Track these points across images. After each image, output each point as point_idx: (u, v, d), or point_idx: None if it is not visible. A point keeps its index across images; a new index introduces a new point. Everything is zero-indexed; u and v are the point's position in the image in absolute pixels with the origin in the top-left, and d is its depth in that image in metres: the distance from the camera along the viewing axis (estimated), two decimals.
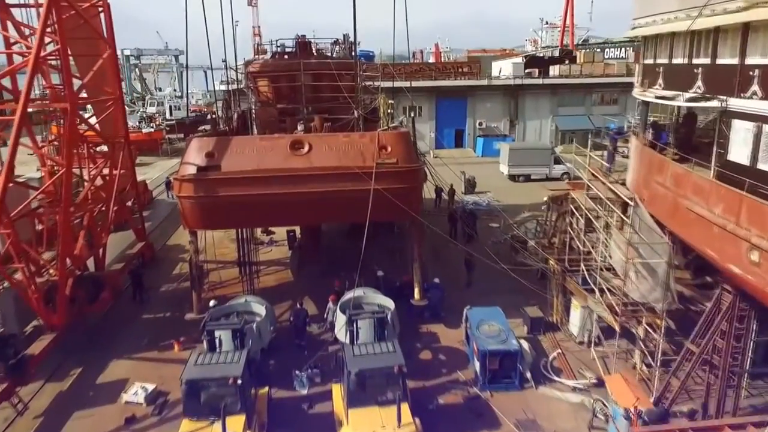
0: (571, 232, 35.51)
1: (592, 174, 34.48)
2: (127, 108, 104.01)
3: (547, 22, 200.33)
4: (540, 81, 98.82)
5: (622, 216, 29.63)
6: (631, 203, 27.68)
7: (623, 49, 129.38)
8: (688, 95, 25.89)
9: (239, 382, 23.24)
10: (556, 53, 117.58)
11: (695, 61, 26.12)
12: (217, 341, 28.15)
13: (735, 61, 23.06)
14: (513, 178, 74.85)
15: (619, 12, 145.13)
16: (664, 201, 26.94)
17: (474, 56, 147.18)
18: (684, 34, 26.76)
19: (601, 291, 29.86)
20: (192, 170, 31.37)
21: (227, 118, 43.38)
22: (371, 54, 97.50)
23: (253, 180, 31.14)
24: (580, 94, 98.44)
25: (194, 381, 23.53)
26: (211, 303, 34.09)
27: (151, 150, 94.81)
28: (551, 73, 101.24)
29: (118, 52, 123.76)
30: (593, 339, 32.14)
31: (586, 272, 31.93)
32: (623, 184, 33.81)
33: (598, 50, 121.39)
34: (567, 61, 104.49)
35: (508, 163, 75.06)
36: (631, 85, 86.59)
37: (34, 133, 34.03)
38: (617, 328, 28.43)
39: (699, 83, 25.36)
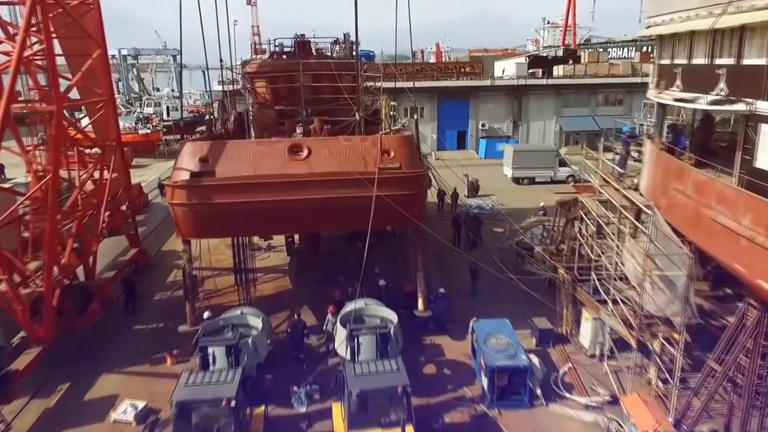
0: (581, 239, 34.14)
1: (604, 179, 33.17)
2: (123, 108, 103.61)
3: (549, 22, 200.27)
4: (544, 81, 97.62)
5: (636, 223, 28.27)
6: (649, 212, 26.24)
7: (626, 49, 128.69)
8: (710, 98, 24.45)
9: (233, 404, 21.96)
10: (560, 53, 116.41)
11: (718, 61, 24.76)
12: (210, 358, 26.70)
13: (763, 61, 21.71)
14: (517, 180, 73.73)
15: (620, 12, 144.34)
16: (684, 210, 25.53)
17: (476, 56, 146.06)
18: (705, 33, 25.41)
19: (614, 302, 28.50)
20: (185, 176, 30.12)
21: (223, 121, 42.14)
22: (372, 54, 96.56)
23: (250, 186, 29.93)
24: (584, 95, 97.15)
25: (185, 403, 22.29)
26: (206, 315, 32.70)
27: (148, 151, 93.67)
28: (555, 73, 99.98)
29: (115, 52, 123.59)
30: (605, 352, 30.70)
31: (597, 281, 30.59)
32: (636, 189, 32.46)
33: (601, 50, 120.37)
34: (571, 61, 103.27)
35: (512, 166, 73.81)
36: (636, 86, 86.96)
37: (20, 135, 32.61)
38: (633, 344, 27.09)
39: (722, 85, 23.92)
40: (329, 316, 32.69)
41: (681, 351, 25.17)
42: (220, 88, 51.58)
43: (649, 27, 31.32)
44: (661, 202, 27.80)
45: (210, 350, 26.74)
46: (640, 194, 31.21)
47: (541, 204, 55.51)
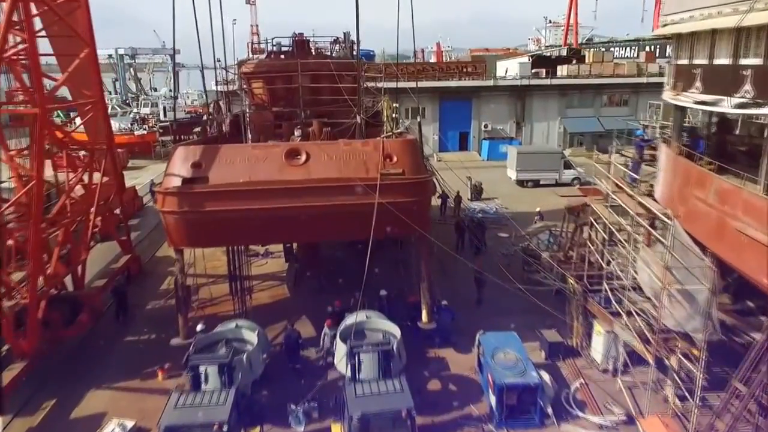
0: (591, 246, 32.78)
1: (616, 185, 31.80)
2: (119, 109, 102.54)
3: (550, 21, 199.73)
4: (548, 82, 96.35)
5: (653, 233, 26.85)
6: (669, 221, 24.79)
7: (629, 49, 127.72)
8: (736, 101, 22.99)
9: (225, 428, 20.76)
10: (564, 52, 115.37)
11: (743, 61, 23.30)
12: (202, 376, 25.24)
13: None
14: (521, 183, 72.68)
15: (622, 11, 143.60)
16: (707, 220, 24.13)
17: (478, 56, 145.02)
18: (728, 32, 23.96)
19: (629, 314, 27.24)
20: (176, 182, 28.77)
21: (218, 123, 40.87)
22: (371, 53, 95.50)
23: (245, 193, 28.63)
24: (589, 96, 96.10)
25: (174, 427, 21.04)
26: (199, 327, 31.28)
27: (144, 153, 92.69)
28: (559, 73, 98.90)
29: (112, 51, 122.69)
30: (619, 367, 29.28)
31: (609, 292, 29.21)
32: (650, 195, 31.07)
33: (603, 49, 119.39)
34: (575, 61, 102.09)
35: (516, 168, 72.85)
36: (642, 86, 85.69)
37: (5, 138, 31.29)
38: (651, 360, 25.63)
39: (747, 87, 22.49)
40: (326, 329, 31.35)
41: (702, 369, 23.76)
42: (218, 88, 50.33)
43: (666, 25, 29.97)
44: (679, 210, 26.41)
45: (202, 369, 25.32)
46: (655, 201, 29.86)
47: (538, 209, 54.41)
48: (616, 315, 28.57)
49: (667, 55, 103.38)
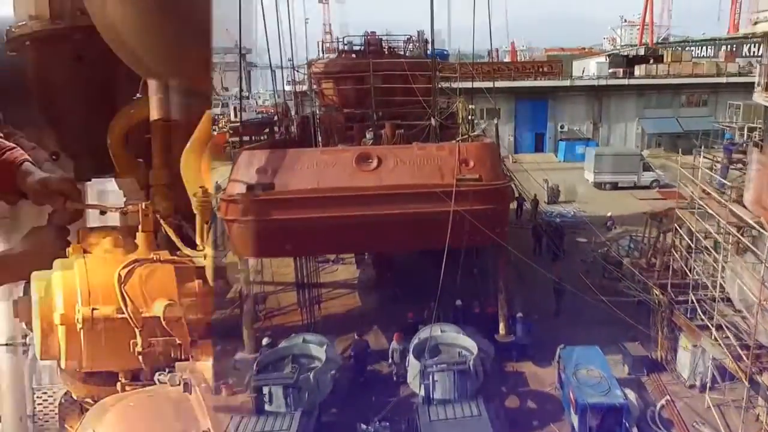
0: (676, 254, 30.92)
1: (704, 191, 29.89)
2: None
3: (626, 20, 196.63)
4: (625, 81, 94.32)
5: (746, 242, 24.90)
6: (765, 232, 22.92)
7: (705, 48, 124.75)
8: None
9: None
10: (641, 52, 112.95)
11: None
12: (267, 397, 24.03)
13: None
14: (599, 185, 70.71)
15: (697, 10, 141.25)
16: None
17: (553, 55, 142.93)
18: None
19: (718, 327, 25.34)
20: (240, 189, 27.72)
21: (287, 125, 39.84)
22: (446, 53, 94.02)
23: (313, 201, 27.52)
24: (667, 96, 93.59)
25: None
26: (265, 341, 30.31)
27: (214, 154, 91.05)
28: (636, 73, 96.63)
29: None
30: (707, 382, 27.31)
31: (696, 303, 27.44)
32: (739, 201, 29.09)
33: (680, 49, 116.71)
34: (652, 60, 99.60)
35: (594, 170, 71.05)
36: (721, 86, 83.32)
37: None
38: (744, 379, 23.66)
39: None
40: (394, 343, 29.80)
41: None
42: (288, 88, 49.61)
43: (757, 23, 27.98)
44: None
45: (266, 389, 24.14)
46: (744, 207, 27.94)
47: (609, 214, 52.50)
48: (704, 328, 26.73)
49: (744, 54, 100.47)
